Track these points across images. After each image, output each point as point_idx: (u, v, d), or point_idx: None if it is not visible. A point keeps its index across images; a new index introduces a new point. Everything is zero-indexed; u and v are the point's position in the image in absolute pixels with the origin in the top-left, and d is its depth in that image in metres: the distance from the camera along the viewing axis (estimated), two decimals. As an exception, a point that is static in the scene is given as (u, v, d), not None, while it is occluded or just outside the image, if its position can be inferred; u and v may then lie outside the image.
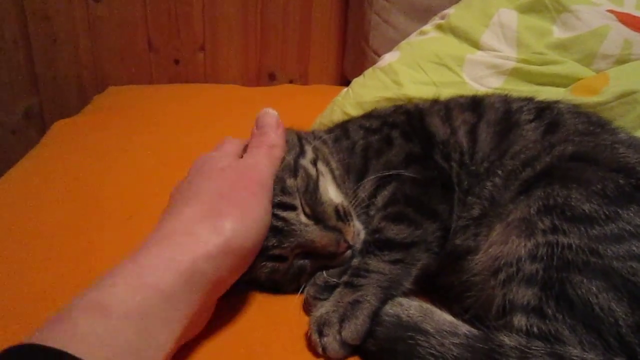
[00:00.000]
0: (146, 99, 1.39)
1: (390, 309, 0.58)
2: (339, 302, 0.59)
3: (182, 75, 1.63)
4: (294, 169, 0.66)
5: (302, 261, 0.64)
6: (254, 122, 0.70)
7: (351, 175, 0.73)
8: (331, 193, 0.67)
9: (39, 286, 0.64)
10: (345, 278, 0.62)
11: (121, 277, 0.47)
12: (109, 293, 0.46)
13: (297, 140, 0.72)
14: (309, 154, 0.71)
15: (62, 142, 1.08)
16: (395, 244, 0.63)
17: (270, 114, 0.70)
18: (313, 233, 0.62)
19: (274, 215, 0.61)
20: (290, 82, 1.72)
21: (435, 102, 0.84)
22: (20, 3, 1.45)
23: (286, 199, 0.63)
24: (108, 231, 0.76)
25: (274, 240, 0.62)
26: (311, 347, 0.58)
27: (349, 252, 0.65)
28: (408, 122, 0.79)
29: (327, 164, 0.72)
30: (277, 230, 0.62)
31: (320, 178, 0.67)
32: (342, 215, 0.65)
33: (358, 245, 0.66)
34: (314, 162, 0.69)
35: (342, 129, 0.83)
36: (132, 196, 0.85)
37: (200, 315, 0.54)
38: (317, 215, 0.64)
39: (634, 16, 0.96)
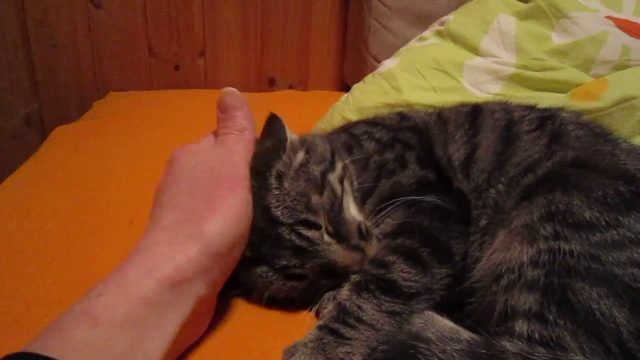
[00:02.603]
0: (146, 104, 1.39)
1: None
2: (319, 351, 0.53)
3: (182, 80, 1.63)
4: (321, 185, 0.63)
5: (321, 278, 0.63)
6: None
7: (360, 191, 0.71)
8: (353, 211, 0.66)
9: (40, 292, 0.64)
10: (332, 318, 0.56)
11: (107, 288, 0.48)
12: (96, 303, 0.47)
13: (329, 154, 0.69)
14: (338, 170, 0.68)
15: (63, 148, 1.08)
16: (400, 292, 0.57)
17: (233, 94, 0.65)
18: (336, 253, 0.61)
19: (297, 234, 0.60)
20: (290, 87, 1.72)
21: (437, 118, 0.80)
22: (21, 8, 1.44)
23: (311, 217, 0.61)
24: (109, 236, 0.76)
25: (296, 260, 0.60)
26: None
27: None
28: (420, 145, 0.75)
29: (351, 182, 0.70)
30: (300, 250, 0.60)
31: (344, 196, 0.66)
32: (364, 234, 0.64)
33: None
34: (341, 180, 0.67)
35: (351, 136, 0.78)
36: (133, 201, 0.85)
37: (198, 319, 0.55)
38: (340, 234, 0.62)
39: (632, 22, 0.97)
